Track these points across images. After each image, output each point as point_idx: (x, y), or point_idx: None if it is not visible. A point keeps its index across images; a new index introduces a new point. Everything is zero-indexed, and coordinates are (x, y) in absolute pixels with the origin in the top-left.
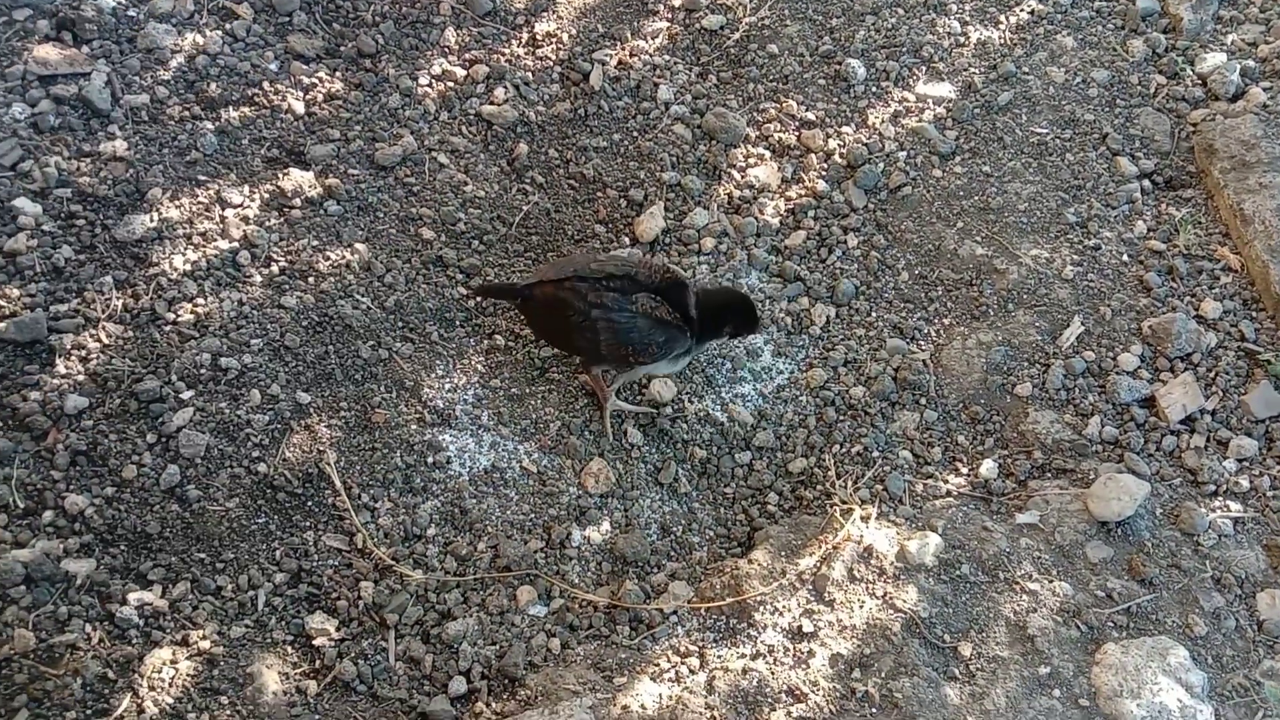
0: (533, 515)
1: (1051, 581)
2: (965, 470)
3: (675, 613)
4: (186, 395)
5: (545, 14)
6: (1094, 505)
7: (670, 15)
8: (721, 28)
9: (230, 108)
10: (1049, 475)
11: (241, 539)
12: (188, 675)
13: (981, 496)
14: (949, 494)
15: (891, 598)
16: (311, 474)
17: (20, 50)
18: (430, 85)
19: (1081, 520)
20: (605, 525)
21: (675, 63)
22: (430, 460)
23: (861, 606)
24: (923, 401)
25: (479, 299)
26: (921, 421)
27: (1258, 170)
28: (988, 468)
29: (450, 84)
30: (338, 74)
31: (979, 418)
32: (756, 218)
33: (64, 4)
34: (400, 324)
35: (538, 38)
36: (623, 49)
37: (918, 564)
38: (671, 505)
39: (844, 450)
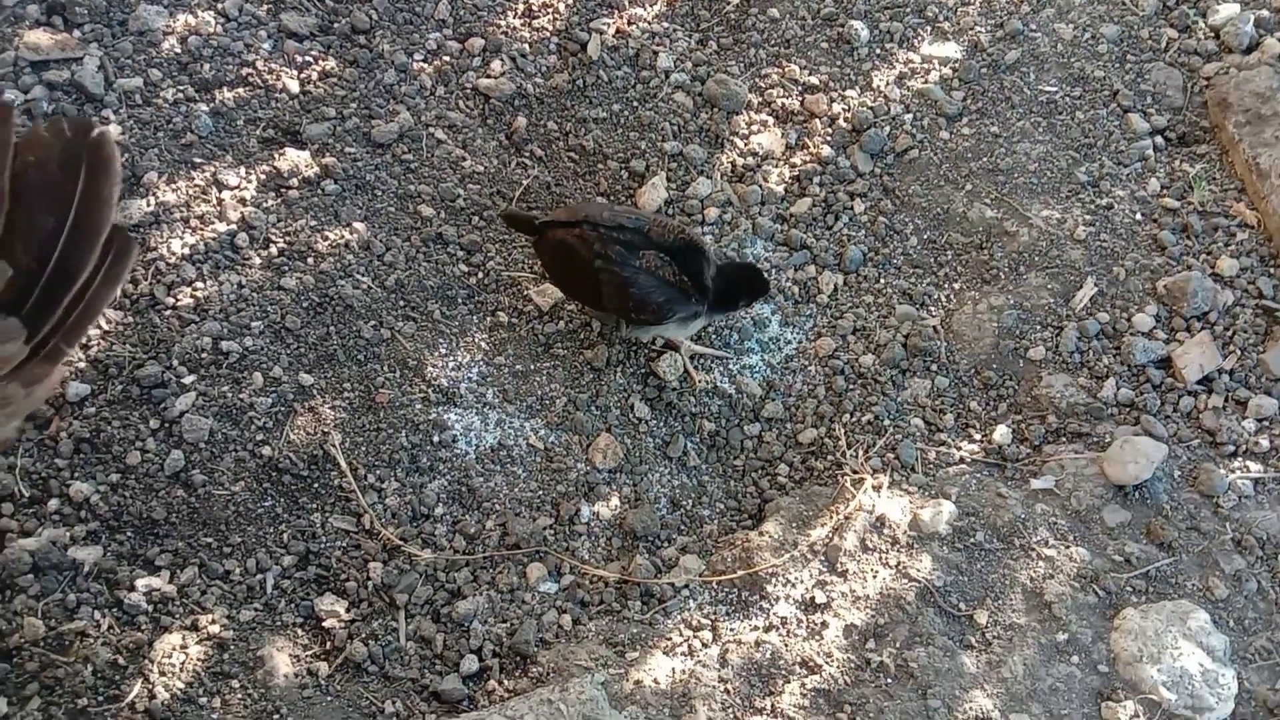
0: (541, 492)
1: (1068, 547)
2: (978, 437)
3: (687, 586)
4: (188, 380)
5: None
6: (1110, 469)
7: None
8: None
9: (224, 88)
10: (1064, 440)
11: (248, 522)
12: (198, 660)
13: (995, 463)
14: (962, 461)
15: (905, 567)
16: (317, 456)
17: (11, 36)
18: (425, 60)
19: (1098, 485)
20: (614, 500)
21: (674, 30)
22: (436, 439)
23: (875, 576)
24: (934, 368)
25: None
26: (933, 388)
27: (1273, 124)
28: (1001, 433)
29: (446, 58)
30: (331, 51)
31: (991, 383)
32: (761, 186)
33: None
34: (401, 303)
35: (534, 8)
36: (620, 17)
37: (931, 532)
38: (681, 479)
39: (854, 419)
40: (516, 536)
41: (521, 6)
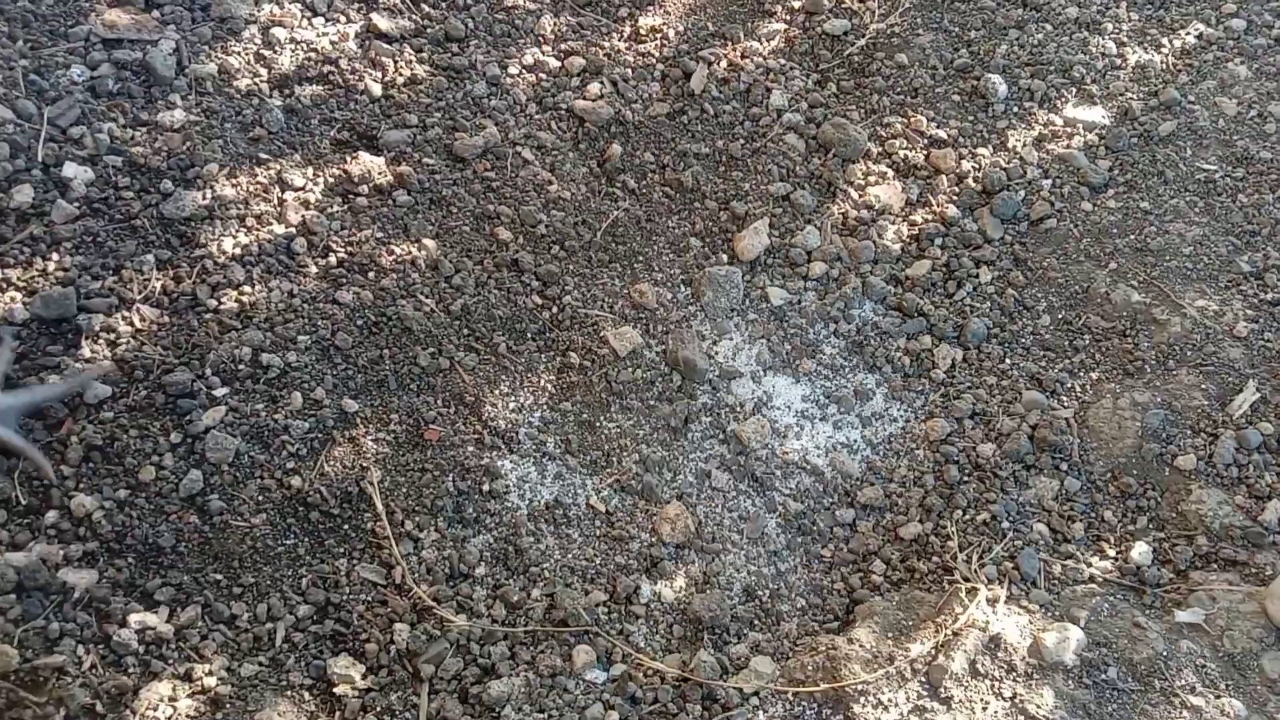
0: (597, 561)
1: (1219, 697)
2: (1113, 553)
3: (757, 694)
4: (220, 392)
5: (652, 7)
6: (1273, 607)
7: (789, 17)
8: (845, 33)
9: (302, 84)
10: (1215, 566)
11: (265, 561)
12: (186, 716)
13: (1132, 586)
14: (1092, 579)
15: (1023, 701)
16: (351, 493)
17: (88, 11)
18: (520, 75)
19: (1256, 625)
20: (680, 581)
21: (791, 68)
22: (486, 488)
23: (985, 709)
24: (1064, 467)
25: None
26: (1062, 490)
27: None
28: (1140, 551)
29: (542, 75)
30: (422, 55)
31: (1131, 491)
32: (875, 242)
33: None
34: (465, 331)
35: (641, 32)
36: (733, 49)
37: (1055, 662)
38: (759, 564)
39: (967, 517)
40: (565, 611)
41: (628, 29)
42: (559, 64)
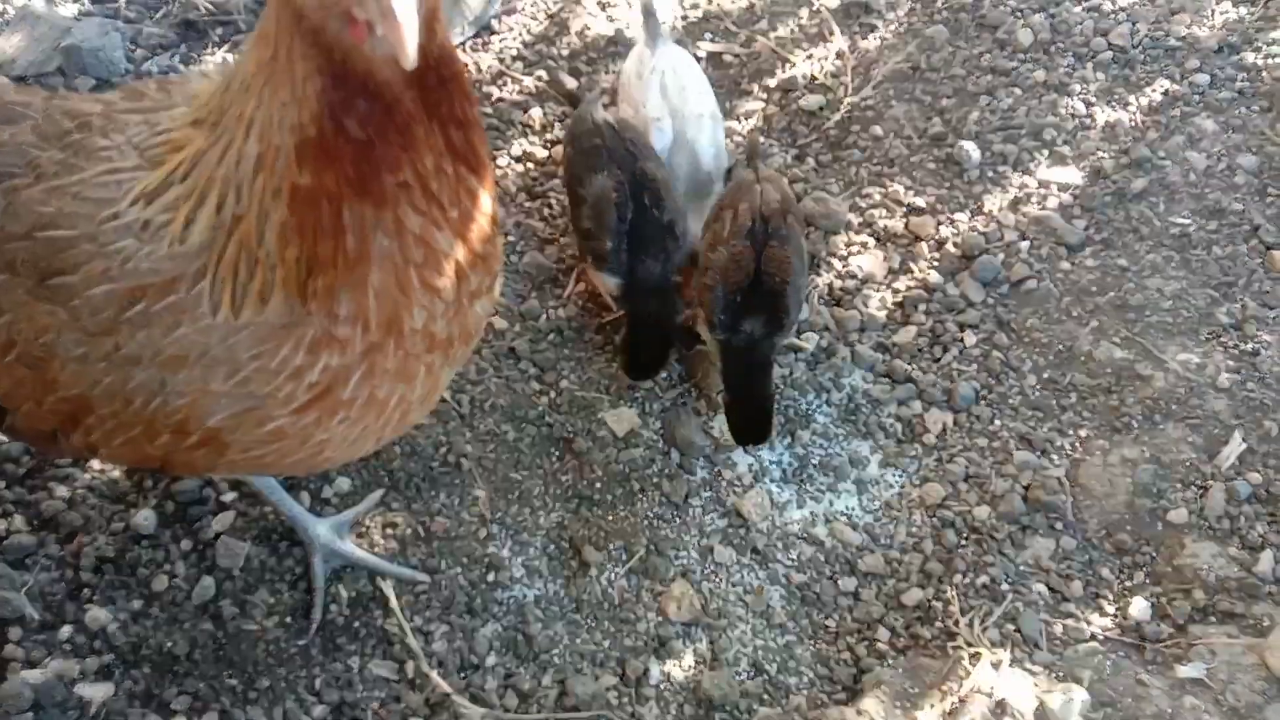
0: (606, 645)
1: None
2: (1112, 610)
3: None
4: (229, 497)
5: None
6: (1273, 660)
7: (765, 95)
8: (821, 108)
9: None
10: (1214, 619)
11: (279, 664)
12: None
13: (1133, 643)
14: (1093, 638)
15: None
16: (364, 593)
17: None
18: (510, 166)
19: (1257, 677)
20: (688, 659)
21: (770, 145)
22: (492, 578)
23: None
24: (1059, 526)
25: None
26: (1058, 550)
27: None
28: (1139, 608)
29: (530, 165)
30: None
31: (1126, 547)
32: (860, 311)
33: None
34: (473, 424)
35: None
36: None
37: None
38: (765, 638)
39: (967, 581)
40: (576, 698)
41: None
42: (547, 154)
